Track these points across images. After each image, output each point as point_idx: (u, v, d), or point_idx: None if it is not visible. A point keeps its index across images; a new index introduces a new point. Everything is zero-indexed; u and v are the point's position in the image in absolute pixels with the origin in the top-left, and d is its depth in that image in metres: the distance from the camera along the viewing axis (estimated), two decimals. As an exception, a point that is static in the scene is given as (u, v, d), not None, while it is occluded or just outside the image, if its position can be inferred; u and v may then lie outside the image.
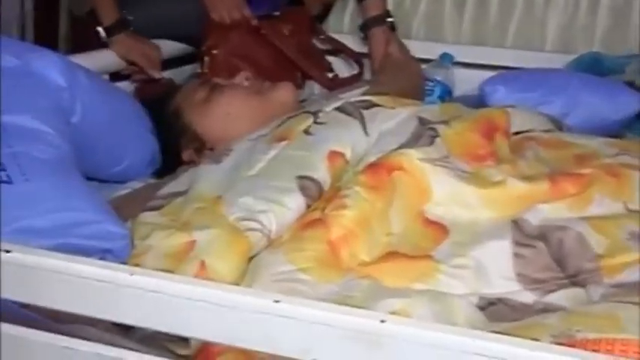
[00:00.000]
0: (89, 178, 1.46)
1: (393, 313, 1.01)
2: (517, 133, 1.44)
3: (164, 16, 2.05)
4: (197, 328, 0.82)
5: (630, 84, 1.83)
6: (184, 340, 1.00)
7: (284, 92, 1.62)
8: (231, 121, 1.55)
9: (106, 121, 1.48)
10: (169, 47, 2.03)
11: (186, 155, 1.58)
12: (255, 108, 1.56)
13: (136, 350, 0.95)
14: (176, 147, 1.59)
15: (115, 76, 1.86)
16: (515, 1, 2.24)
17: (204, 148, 1.57)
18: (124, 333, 1.01)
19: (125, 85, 1.85)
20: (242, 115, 1.55)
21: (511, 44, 2.24)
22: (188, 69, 2.06)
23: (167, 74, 1.97)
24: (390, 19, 2.11)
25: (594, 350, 0.85)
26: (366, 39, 2.14)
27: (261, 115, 1.51)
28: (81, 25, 2.03)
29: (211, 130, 1.56)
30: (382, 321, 0.73)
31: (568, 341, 0.89)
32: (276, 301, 0.76)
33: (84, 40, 1.99)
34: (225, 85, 1.61)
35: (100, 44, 1.87)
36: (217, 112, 1.57)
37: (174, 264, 1.10)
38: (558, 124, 1.54)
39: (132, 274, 0.83)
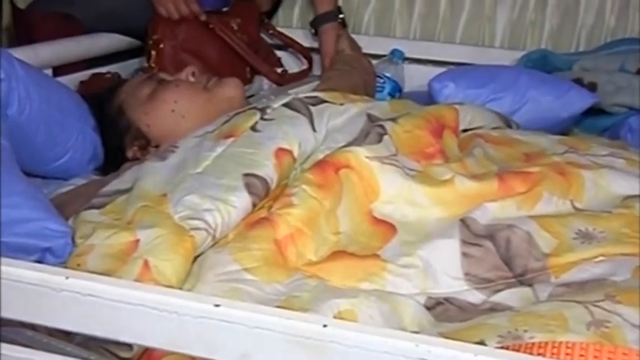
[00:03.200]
0: (30, 175, 1.43)
1: (339, 313, 0.99)
2: (466, 130, 1.43)
3: (110, 8, 2.01)
4: (135, 333, 0.79)
5: (578, 81, 1.84)
6: (127, 344, 0.98)
7: (230, 88, 1.59)
8: (176, 118, 1.52)
9: (43, 114, 1.45)
10: (115, 40, 1.99)
11: (130, 153, 1.55)
12: (201, 105, 1.54)
13: (76, 356, 0.92)
14: (120, 144, 1.56)
15: (59, 70, 1.82)
16: (465, -4, 2.24)
17: (149, 146, 1.54)
18: (65, 336, 0.98)
19: (70, 80, 1.81)
20: (188, 112, 1.52)
21: (460, 40, 2.25)
22: (134, 63, 2.03)
23: (113, 68, 1.94)
24: (341, 16, 2.10)
25: (540, 354, 0.84)
26: (316, 34, 2.13)
27: (207, 112, 1.49)
28: (23, 17, 1.98)
29: (156, 128, 1.53)
30: (324, 325, 0.72)
31: (515, 342, 0.88)
32: (217, 305, 0.74)
33: (26, 33, 1.94)
34: (170, 81, 1.58)
35: (43, 37, 1.83)
36: (162, 109, 1.54)
37: (117, 264, 1.07)
38: (507, 121, 1.54)
39: (67, 278, 0.80)
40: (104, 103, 1.59)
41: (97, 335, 0.83)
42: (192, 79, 1.60)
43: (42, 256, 1.14)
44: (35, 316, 0.84)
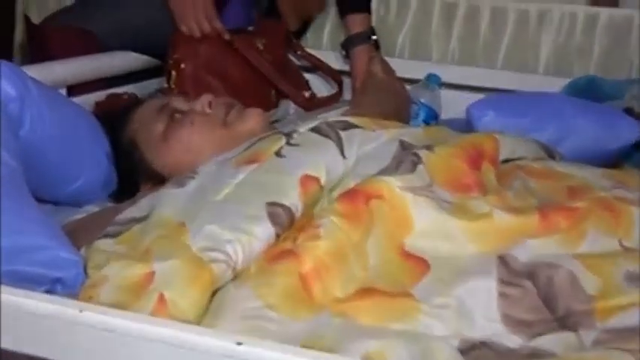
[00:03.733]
0: (41, 201, 1.44)
1: (367, 355, 1.00)
2: (506, 161, 1.44)
3: (129, 23, 2.04)
4: (152, 370, 0.80)
5: (629, 111, 1.83)
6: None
7: (252, 122, 1.58)
8: (192, 156, 1.52)
9: (56, 135, 1.47)
10: (132, 59, 2.02)
11: (144, 188, 1.56)
12: (218, 142, 1.53)
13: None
14: (134, 179, 1.57)
15: (73, 89, 1.85)
16: (507, 19, 2.25)
17: (164, 183, 1.54)
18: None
19: (85, 100, 1.83)
20: (204, 150, 1.51)
21: (502, 65, 2.25)
22: (153, 83, 2.05)
23: (130, 89, 1.96)
24: (374, 37, 2.11)
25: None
26: (347, 57, 2.14)
27: (225, 149, 1.46)
28: (38, 33, 2.01)
29: (171, 168, 1.53)
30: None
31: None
32: (239, 344, 0.75)
33: (41, 50, 1.98)
34: (185, 117, 1.57)
35: (58, 53, 1.86)
36: (177, 149, 1.55)
37: (131, 297, 1.08)
38: (550, 153, 1.54)
39: (81, 311, 0.81)
40: (117, 131, 1.61)
41: (111, 372, 0.84)
42: (208, 110, 1.59)
43: (52, 286, 1.15)
44: (45, 351, 0.85)
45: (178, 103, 1.62)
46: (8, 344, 0.86)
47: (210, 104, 1.59)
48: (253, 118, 1.58)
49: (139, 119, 1.61)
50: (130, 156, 1.58)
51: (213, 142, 1.52)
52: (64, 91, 1.81)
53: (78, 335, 0.82)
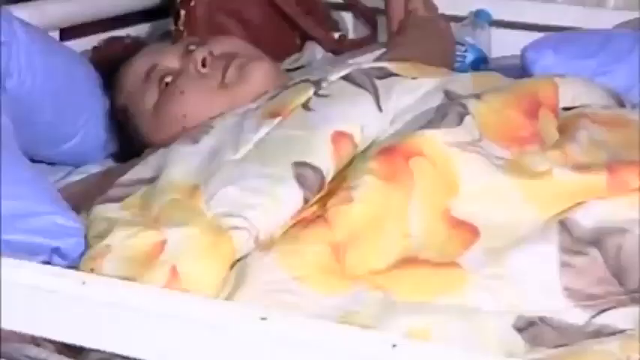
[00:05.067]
0: (35, 160, 1.46)
1: (409, 332, 1.01)
2: (567, 109, 1.44)
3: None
4: (165, 349, 0.82)
5: None
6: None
7: (255, 81, 1.51)
8: (190, 123, 1.47)
9: (49, 87, 1.48)
10: (135, -2, 2.02)
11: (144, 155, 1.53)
12: (219, 107, 1.47)
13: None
14: (134, 148, 1.57)
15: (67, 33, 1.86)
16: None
17: None
18: (77, 354, 1.01)
19: (80, 44, 1.84)
20: (203, 116, 1.46)
21: (563, -2, 2.23)
22: (160, 24, 2.05)
23: (132, 31, 1.96)
24: (413, -33, 2.10)
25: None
26: (382, -9, 2.13)
27: (228, 110, 1.43)
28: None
29: (171, 142, 1.42)
30: (394, 345, 0.73)
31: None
32: (263, 318, 0.76)
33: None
34: (173, 83, 1.52)
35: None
36: (171, 126, 1.50)
37: (139, 270, 1.10)
38: (620, 101, 1.54)
39: (84, 283, 0.83)
40: (112, 89, 1.62)
41: (119, 353, 0.85)
42: (203, 70, 1.52)
43: (49, 257, 1.17)
44: (43, 328, 0.87)
45: (169, 60, 1.57)
46: (3, 322, 0.87)
47: (204, 61, 1.53)
48: (255, 76, 1.52)
49: (126, 86, 1.59)
50: (126, 124, 1.59)
51: (211, 109, 1.47)
52: (56, 35, 1.82)
53: (79, 310, 0.83)
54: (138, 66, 1.60)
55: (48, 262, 1.15)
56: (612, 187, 1.19)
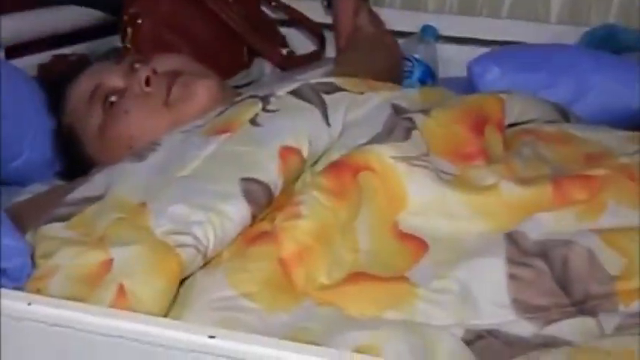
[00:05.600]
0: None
1: (358, 348, 1.01)
2: (513, 125, 1.45)
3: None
4: (112, 370, 0.81)
5: (653, 64, 1.85)
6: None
7: (199, 100, 1.51)
8: (136, 143, 1.47)
9: None
10: (83, 15, 2.01)
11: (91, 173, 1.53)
12: (164, 127, 1.46)
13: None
14: (79, 164, 1.57)
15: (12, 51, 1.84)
16: (513, -39, 2.25)
17: None
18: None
19: (26, 63, 1.83)
20: (148, 136, 1.44)
21: (507, 14, 2.26)
22: (107, 42, 2.05)
23: (80, 49, 1.96)
24: (360, -15, 2.11)
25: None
26: (330, 7, 2.14)
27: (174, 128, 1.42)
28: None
29: (115, 160, 1.41)
30: (343, 361, 0.73)
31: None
32: (211, 337, 0.76)
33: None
34: (117, 103, 1.52)
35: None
36: (117, 147, 1.50)
37: (85, 289, 1.09)
38: (564, 114, 1.55)
39: (30, 304, 0.82)
40: (56, 109, 1.61)
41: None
42: (147, 89, 1.52)
43: (-7, 280, 1.16)
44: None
45: (114, 79, 1.56)
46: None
47: (147, 80, 1.53)
48: (200, 94, 1.52)
49: (71, 106, 1.59)
50: (72, 143, 1.58)
51: (157, 128, 1.46)
52: (1, 54, 1.81)
53: (25, 333, 0.82)
54: (83, 85, 1.59)
55: (-9, 285, 1.14)
56: (557, 199, 1.20)
